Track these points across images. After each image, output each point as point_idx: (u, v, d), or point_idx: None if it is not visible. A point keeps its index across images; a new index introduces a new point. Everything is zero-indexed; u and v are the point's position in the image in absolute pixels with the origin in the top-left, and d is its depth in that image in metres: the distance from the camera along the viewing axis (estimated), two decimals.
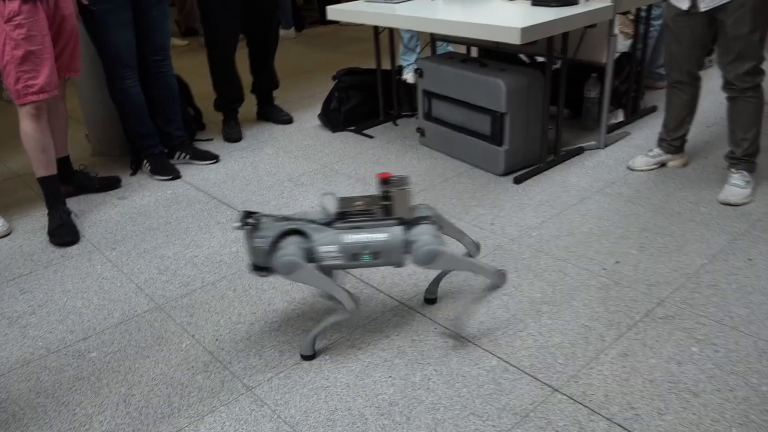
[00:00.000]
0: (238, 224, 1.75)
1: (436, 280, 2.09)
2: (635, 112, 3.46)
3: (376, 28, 3.42)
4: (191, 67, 3.75)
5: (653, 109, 3.53)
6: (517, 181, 2.85)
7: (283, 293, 2.17)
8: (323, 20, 6.74)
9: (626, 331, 1.88)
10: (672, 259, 2.21)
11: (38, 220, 2.75)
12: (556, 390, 1.69)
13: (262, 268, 1.78)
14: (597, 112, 3.19)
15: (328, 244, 1.74)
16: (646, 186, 2.74)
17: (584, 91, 3.29)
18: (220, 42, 3.46)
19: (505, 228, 2.49)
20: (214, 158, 3.30)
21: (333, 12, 3.31)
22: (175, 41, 5.69)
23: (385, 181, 1.85)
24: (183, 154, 3.27)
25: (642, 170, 2.86)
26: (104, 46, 2.89)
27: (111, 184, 3.07)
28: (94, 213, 2.85)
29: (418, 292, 2.13)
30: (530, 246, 2.35)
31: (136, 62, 2.97)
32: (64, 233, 2.59)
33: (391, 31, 3.55)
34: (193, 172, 3.20)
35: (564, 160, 3.03)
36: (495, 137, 2.86)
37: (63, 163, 2.86)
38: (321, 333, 1.89)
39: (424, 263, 1.73)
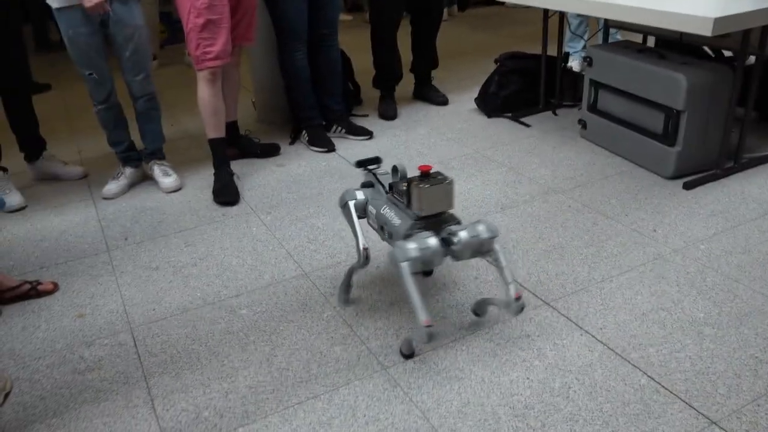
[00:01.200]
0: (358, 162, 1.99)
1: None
2: None
3: (546, 11, 3.26)
4: (354, 42, 3.82)
5: None
6: (688, 186, 2.61)
7: (424, 278, 2.16)
8: (488, 1, 6.61)
9: None
10: None
11: (206, 178, 2.95)
12: (714, 423, 1.53)
13: None
14: None
15: (373, 206, 1.89)
16: None
17: None
18: (384, 19, 3.48)
19: (669, 237, 2.29)
20: (368, 134, 3.35)
21: None
22: (341, 16, 5.84)
23: (423, 173, 1.76)
24: (339, 128, 3.35)
25: None
26: (280, 18, 3.01)
27: (271, 150, 3.22)
28: (254, 177, 3.01)
29: (564, 293, 2.02)
30: (696, 259, 2.15)
31: (306, 35, 3.06)
32: (226, 193, 2.76)
33: (561, 16, 3.38)
34: (347, 146, 3.27)
35: (745, 168, 2.72)
36: (667, 136, 2.63)
37: (231, 127, 3.04)
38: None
39: (390, 263, 1.73)
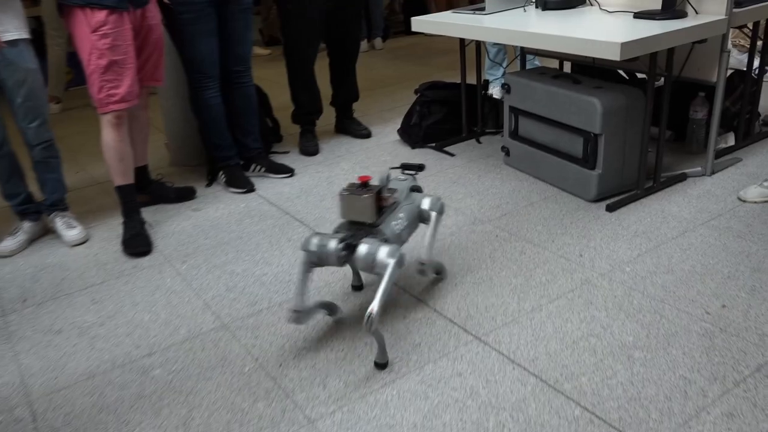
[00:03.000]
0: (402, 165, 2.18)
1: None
2: (748, 137, 3.14)
3: (462, 41, 3.28)
4: (273, 76, 3.74)
5: None
6: (610, 208, 2.63)
7: (353, 320, 2.06)
8: (408, 31, 6.69)
9: (733, 388, 1.65)
10: None
11: (114, 228, 2.77)
12: None
13: None
14: (704, 136, 2.91)
15: None
16: (760, 220, 2.45)
17: (690, 112, 3.02)
18: (299, 51, 3.40)
19: (595, 260, 2.28)
20: (289, 172, 3.25)
21: (418, 23, 3.19)
22: (258, 50, 5.76)
23: (362, 183, 1.89)
24: (258, 167, 3.23)
25: (755, 202, 2.57)
26: (188, 56, 2.90)
27: (186, 194, 3.07)
28: (168, 224, 2.84)
29: (495, 326, 1.97)
30: (623, 282, 2.14)
31: (218, 73, 2.95)
32: (137, 243, 2.59)
33: (478, 44, 3.41)
34: (268, 186, 3.16)
35: (664, 188, 2.77)
36: (587, 160, 2.65)
37: (141, 172, 2.88)
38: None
39: None
